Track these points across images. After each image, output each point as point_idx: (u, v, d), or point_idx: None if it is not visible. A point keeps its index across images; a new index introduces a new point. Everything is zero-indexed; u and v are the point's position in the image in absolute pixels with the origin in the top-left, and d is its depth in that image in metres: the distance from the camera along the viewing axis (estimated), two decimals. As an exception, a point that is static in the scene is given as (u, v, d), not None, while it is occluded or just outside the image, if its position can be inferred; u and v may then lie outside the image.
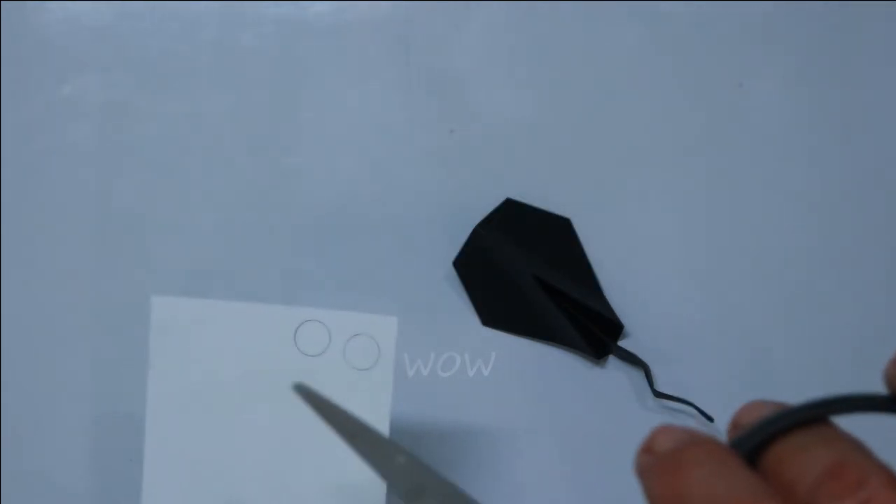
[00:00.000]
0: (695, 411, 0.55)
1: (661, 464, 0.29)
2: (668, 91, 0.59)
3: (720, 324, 0.57)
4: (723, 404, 0.55)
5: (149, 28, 0.60)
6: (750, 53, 0.60)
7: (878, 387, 0.57)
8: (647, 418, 0.56)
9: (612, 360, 0.57)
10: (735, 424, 0.32)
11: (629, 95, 0.59)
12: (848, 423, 0.32)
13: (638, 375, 0.57)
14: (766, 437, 0.29)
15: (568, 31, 0.60)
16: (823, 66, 0.60)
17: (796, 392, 0.56)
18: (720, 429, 0.55)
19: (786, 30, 0.60)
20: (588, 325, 0.56)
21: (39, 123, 0.59)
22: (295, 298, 0.57)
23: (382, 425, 0.47)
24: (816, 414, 0.31)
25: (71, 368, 0.56)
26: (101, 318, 0.57)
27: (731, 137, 0.59)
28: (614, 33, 0.60)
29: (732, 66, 0.60)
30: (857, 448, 0.30)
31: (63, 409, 0.55)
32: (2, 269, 0.58)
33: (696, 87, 0.59)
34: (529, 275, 0.57)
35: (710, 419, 0.55)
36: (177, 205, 0.58)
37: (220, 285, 0.57)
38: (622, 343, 0.57)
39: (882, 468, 0.28)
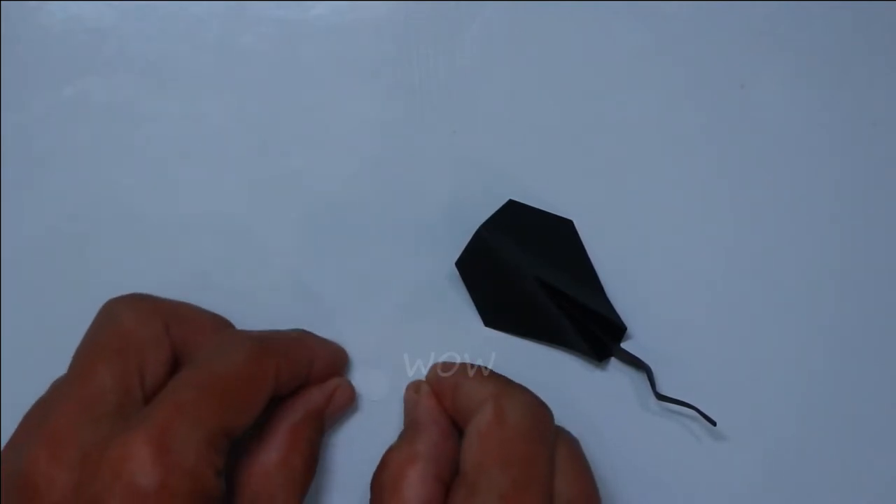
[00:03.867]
0: (697, 415, 0.55)
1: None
2: (670, 92, 0.59)
3: (724, 326, 0.57)
4: (726, 408, 0.55)
5: (150, 29, 0.60)
6: (752, 54, 0.60)
7: (879, 385, 0.57)
8: (648, 421, 0.56)
9: (614, 363, 0.57)
10: None
11: (631, 96, 0.59)
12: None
13: (640, 378, 0.56)
14: None
15: (569, 32, 0.60)
16: (826, 68, 0.60)
17: (800, 393, 0.56)
18: (723, 433, 0.55)
19: (788, 31, 0.60)
20: (589, 327, 0.56)
21: (40, 125, 0.59)
22: (295, 300, 0.57)
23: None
24: None
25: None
26: (101, 319, 0.57)
27: (733, 139, 0.59)
28: (616, 34, 0.60)
29: (734, 67, 0.59)
30: None
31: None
32: (2, 269, 0.58)
33: (697, 89, 0.59)
34: (531, 276, 0.57)
35: (713, 423, 0.54)
36: (177, 205, 0.58)
37: (220, 286, 0.57)
38: (624, 345, 0.57)
39: None
